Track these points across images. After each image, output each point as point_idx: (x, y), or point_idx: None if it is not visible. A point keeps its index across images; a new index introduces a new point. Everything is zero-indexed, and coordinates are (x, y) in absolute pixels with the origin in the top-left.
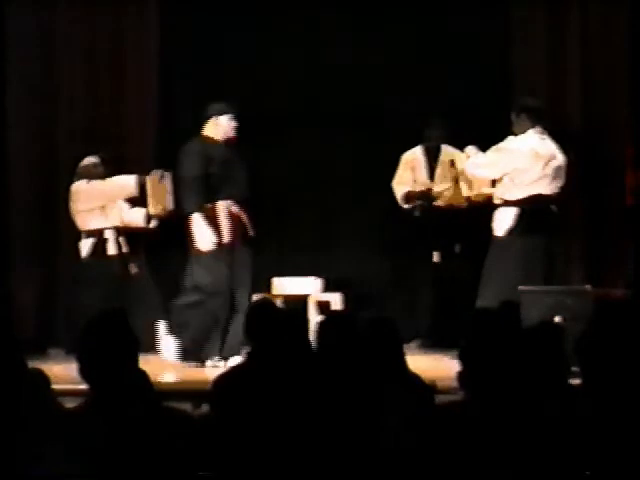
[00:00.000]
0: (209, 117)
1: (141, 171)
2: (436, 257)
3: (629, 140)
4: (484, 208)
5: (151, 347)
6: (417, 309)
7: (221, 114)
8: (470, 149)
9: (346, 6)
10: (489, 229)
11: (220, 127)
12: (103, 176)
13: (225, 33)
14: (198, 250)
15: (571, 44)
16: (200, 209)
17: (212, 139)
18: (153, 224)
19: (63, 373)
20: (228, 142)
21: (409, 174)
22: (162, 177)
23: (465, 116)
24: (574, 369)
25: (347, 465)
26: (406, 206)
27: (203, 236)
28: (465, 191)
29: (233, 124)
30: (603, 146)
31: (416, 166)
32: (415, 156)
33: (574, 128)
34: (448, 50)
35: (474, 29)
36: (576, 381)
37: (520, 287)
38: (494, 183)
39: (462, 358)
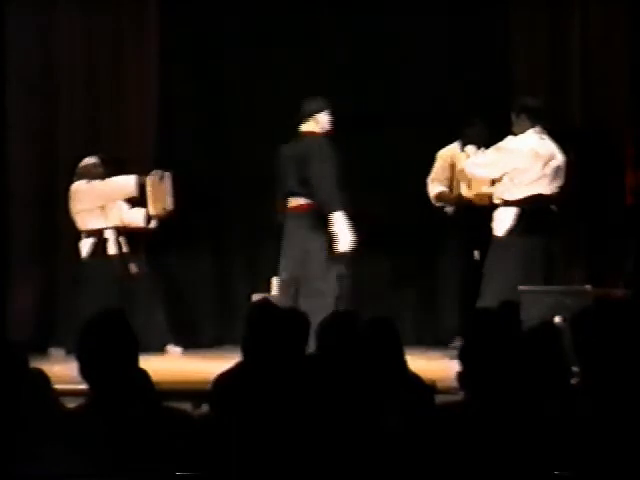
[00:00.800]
0: (310, 115)
1: (141, 171)
2: (477, 255)
3: (629, 140)
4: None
5: (151, 347)
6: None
7: (322, 110)
8: (470, 148)
9: (346, 6)
10: (489, 229)
11: (320, 123)
12: (103, 176)
13: (225, 33)
14: (337, 251)
15: (571, 44)
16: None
17: (317, 135)
18: (153, 224)
19: (63, 373)
20: (327, 135)
21: (447, 171)
22: (162, 177)
23: (465, 116)
24: (574, 369)
25: (347, 465)
26: (438, 204)
27: (346, 236)
28: (464, 191)
29: (330, 118)
30: (603, 146)
31: (457, 163)
32: (455, 152)
33: (574, 128)
34: (448, 50)
35: (474, 29)
36: (576, 381)
37: (520, 287)
38: (494, 183)
39: (462, 358)
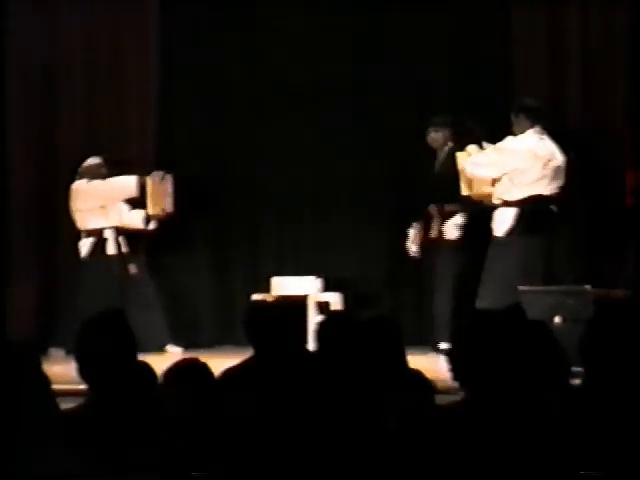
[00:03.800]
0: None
1: (143, 172)
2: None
3: (629, 140)
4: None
5: (150, 347)
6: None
7: None
8: (471, 148)
9: (346, 5)
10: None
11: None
12: (105, 177)
13: (225, 32)
14: None
15: (571, 44)
16: None
17: None
18: (152, 226)
19: (63, 373)
20: None
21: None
22: (163, 179)
23: (465, 116)
24: (575, 369)
25: (347, 465)
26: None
27: None
28: (464, 190)
29: None
30: (603, 146)
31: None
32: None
33: (574, 128)
34: (448, 50)
35: (474, 29)
36: (576, 381)
37: (520, 287)
38: (494, 183)
39: (452, 357)
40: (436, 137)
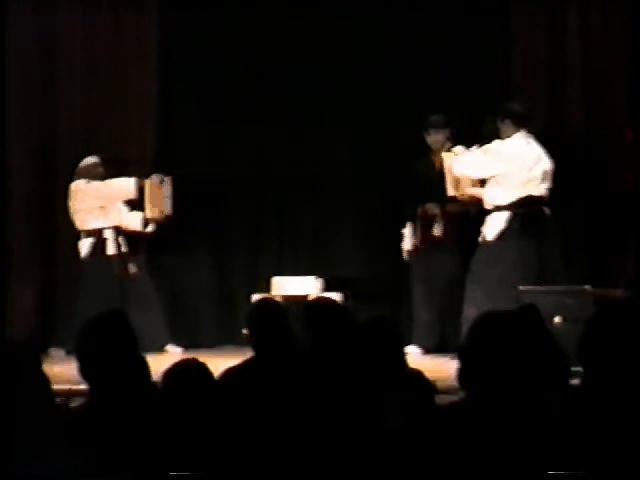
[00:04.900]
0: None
1: (141, 172)
2: None
3: (629, 140)
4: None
5: (149, 347)
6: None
7: None
8: (457, 148)
9: (346, 5)
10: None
11: None
12: (103, 176)
13: (225, 32)
14: None
15: (571, 44)
16: None
17: None
18: (150, 228)
19: (63, 373)
20: None
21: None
22: (162, 181)
23: (464, 116)
24: (575, 369)
25: (347, 465)
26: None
27: None
28: (451, 191)
29: None
30: (603, 146)
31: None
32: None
33: (574, 128)
34: (448, 50)
35: (474, 29)
36: (576, 381)
37: (520, 287)
38: (483, 184)
39: (462, 356)
40: (437, 138)
